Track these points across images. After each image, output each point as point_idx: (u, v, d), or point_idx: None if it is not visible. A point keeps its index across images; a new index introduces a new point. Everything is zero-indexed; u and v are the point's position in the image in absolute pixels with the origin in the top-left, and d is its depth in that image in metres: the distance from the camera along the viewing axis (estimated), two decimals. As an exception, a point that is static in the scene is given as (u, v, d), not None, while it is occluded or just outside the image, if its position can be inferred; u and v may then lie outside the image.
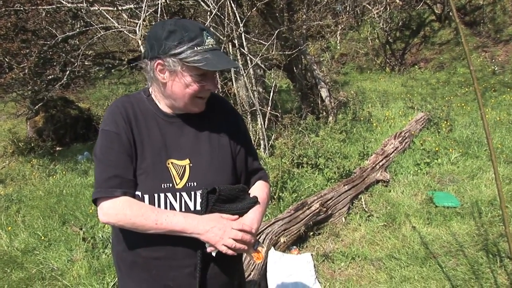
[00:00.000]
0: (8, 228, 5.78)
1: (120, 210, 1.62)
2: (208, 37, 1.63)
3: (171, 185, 1.67)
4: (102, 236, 4.98)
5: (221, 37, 6.61)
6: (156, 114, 1.75)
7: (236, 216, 1.72)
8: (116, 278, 4.12)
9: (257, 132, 6.89)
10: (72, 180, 8.02)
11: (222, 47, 6.52)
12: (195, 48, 1.58)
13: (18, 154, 10.29)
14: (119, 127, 1.67)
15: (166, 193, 1.67)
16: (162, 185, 1.67)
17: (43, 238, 5.37)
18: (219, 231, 1.63)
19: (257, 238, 1.79)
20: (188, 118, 1.76)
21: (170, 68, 1.62)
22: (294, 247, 4.53)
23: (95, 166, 1.71)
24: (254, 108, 6.83)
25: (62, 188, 7.49)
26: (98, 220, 5.53)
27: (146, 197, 1.66)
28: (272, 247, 4.13)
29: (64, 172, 8.52)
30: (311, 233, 4.82)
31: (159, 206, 1.66)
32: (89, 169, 8.60)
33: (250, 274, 3.58)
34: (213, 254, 1.68)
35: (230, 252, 1.66)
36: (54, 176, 8.35)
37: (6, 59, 8.07)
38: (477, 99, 2.36)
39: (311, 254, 4.24)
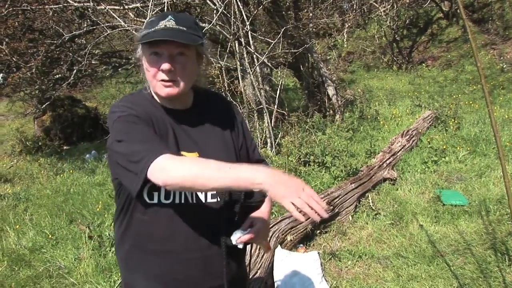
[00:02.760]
0: (16, 226, 5.81)
1: (179, 163, 1.50)
2: (170, 20, 1.62)
3: None
4: (109, 235, 4.99)
5: (227, 35, 6.61)
6: (157, 109, 1.75)
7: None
8: (121, 277, 4.16)
9: (264, 130, 6.89)
10: (79, 179, 8.05)
11: (229, 46, 6.52)
12: (147, 29, 1.61)
13: (26, 153, 10.36)
14: (135, 110, 1.66)
15: None
16: None
17: (50, 236, 5.39)
18: (293, 185, 1.42)
19: None
20: (192, 113, 1.79)
21: (139, 55, 1.69)
22: (301, 245, 4.52)
23: (125, 146, 1.58)
24: (261, 106, 6.83)
25: (69, 187, 7.52)
26: (105, 218, 5.59)
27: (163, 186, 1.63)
28: (279, 245, 4.12)
29: (71, 171, 8.56)
30: (318, 232, 4.81)
31: (174, 196, 1.66)
32: (96, 167, 8.63)
33: (256, 272, 3.57)
34: (240, 246, 1.68)
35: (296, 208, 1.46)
36: (62, 175, 8.39)
37: (14, 59, 8.11)
38: (485, 96, 2.34)
39: (318, 252, 4.23)
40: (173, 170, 1.46)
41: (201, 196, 1.70)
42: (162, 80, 1.65)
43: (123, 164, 1.56)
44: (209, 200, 1.71)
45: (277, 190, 1.40)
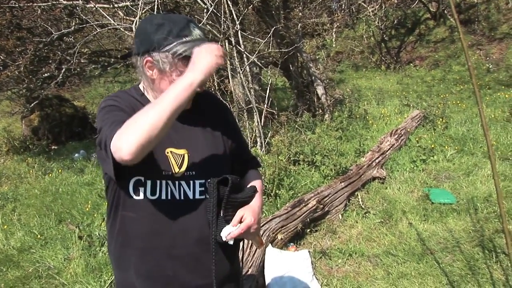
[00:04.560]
0: (4, 226, 5.76)
1: (126, 129, 1.43)
2: (195, 29, 1.64)
3: (170, 172, 1.69)
4: (98, 234, 4.97)
5: (217, 34, 6.60)
6: None
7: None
8: (114, 276, 4.15)
9: (254, 130, 6.89)
10: (68, 178, 7.99)
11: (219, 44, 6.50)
12: (183, 39, 1.60)
13: (13, 152, 10.26)
14: (120, 103, 1.67)
15: (167, 180, 1.68)
16: (163, 172, 1.68)
17: (39, 236, 5.36)
18: (213, 52, 1.54)
19: None
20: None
21: (159, 66, 1.62)
22: (292, 244, 4.54)
23: (100, 132, 1.57)
24: (251, 105, 6.83)
25: (58, 187, 7.47)
26: (94, 218, 5.57)
27: (149, 182, 1.67)
28: (270, 244, 4.13)
29: (60, 171, 8.49)
30: (308, 230, 4.83)
31: (160, 192, 1.67)
32: (85, 167, 8.57)
33: (248, 270, 3.58)
34: (230, 242, 1.69)
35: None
36: (50, 175, 8.33)
37: (1, 57, 8.05)
38: (475, 94, 2.37)
39: (309, 251, 4.25)
40: (124, 141, 1.41)
41: (189, 193, 1.71)
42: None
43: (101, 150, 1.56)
44: (197, 196, 1.72)
45: (208, 66, 1.51)
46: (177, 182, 1.70)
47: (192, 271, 1.74)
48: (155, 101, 1.48)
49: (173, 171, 1.69)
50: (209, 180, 1.71)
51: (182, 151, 1.72)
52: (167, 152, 1.70)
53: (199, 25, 1.73)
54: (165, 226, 1.67)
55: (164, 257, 1.72)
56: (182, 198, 1.70)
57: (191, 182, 1.72)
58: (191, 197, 1.71)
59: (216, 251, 1.72)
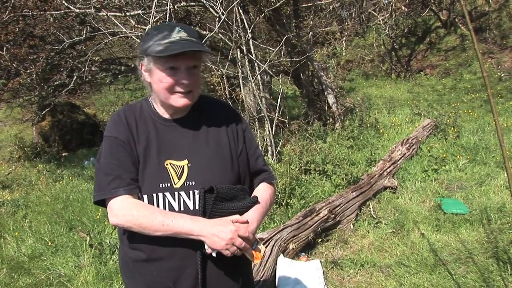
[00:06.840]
0: (15, 233, 5.78)
1: (128, 211, 1.65)
2: (180, 32, 1.68)
3: (169, 184, 1.71)
4: (109, 242, 4.97)
5: (229, 43, 6.62)
6: (154, 118, 1.81)
7: (246, 219, 1.73)
8: (124, 285, 4.14)
9: (265, 139, 6.88)
10: (78, 185, 8.03)
11: (230, 53, 6.53)
12: (161, 41, 1.65)
13: (24, 159, 10.33)
14: (121, 133, 1.74)
15: (165, 193, 1.70)
16: (160, 185, 1.70)
17: (50, 243, 5.37)
18: (226, 235, 1.63)
19: (256, 237, 1.79)
20: (186, 121, 1.82)
21: (147, 67, 1.72)
22: (303, 253, 4.51)
23: (96, 170, 1.75)
24: (262, 114, 6.82)
25: (68, 194, 7.50)
26: (105, 226, 5.58)
27: (145, 197, 1.70)
28: (281, 254, 4.11)
29: (70, 178, 8.53)
30: (320, 240, 4.80)
31: (158, 205, 1.70)
32: (96, 174, 8.59)
33: (259, 280, 3.56)
34: (213, 254, 1.68)
35: (229, 254, 1.67)
36: (61, 182, 8.37)
37: (14, 65, 8.11)
38: (491, 106, 2.35)
39: (320, 261, 4.22)
40: (121, 216, 1.67)
41: (189, 203, 1.72)
42: (179, 92, 1.71)
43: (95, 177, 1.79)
44: (198, 207, 1.72)
45: (212, 241, 1.63)
46: (176, 193, 1.71)
47: (195, 281, 1.74)
48: (162, 218, 1.65)
49: (173, 183, 1.71)
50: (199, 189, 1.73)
51: (182, 163, 1.75)
52: (167, 164, 1.73)
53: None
54: (165, 238, 1.67)
55: (166, 269, 1.74)
56: (182, 209, 1.71)
57: (191, 192, 1.72)
58: (191, 207, 1.72)
59: (203, 263, 1.72)
